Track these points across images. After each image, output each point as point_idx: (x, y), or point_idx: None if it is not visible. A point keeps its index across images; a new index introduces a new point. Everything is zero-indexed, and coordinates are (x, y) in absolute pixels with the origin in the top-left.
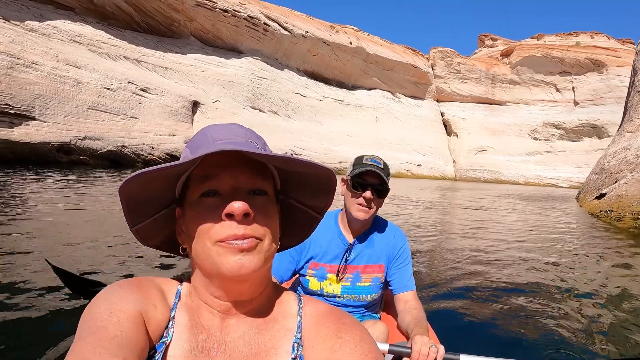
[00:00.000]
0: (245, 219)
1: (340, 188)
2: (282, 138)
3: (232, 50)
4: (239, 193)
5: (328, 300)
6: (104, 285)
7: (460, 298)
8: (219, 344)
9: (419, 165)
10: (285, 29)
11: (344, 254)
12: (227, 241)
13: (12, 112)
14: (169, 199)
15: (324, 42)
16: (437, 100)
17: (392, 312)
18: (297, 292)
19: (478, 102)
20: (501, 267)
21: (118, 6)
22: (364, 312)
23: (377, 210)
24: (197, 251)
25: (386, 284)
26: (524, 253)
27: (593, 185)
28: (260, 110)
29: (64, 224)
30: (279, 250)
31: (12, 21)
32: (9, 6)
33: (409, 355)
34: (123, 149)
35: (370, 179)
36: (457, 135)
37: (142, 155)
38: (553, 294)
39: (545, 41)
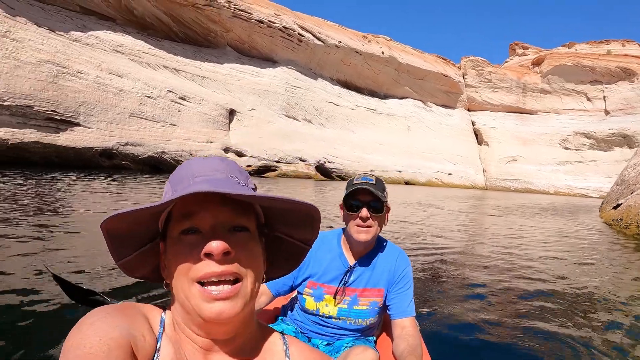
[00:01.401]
0: (225, 257)
1: (340, 214)
2: (315, 146)
3: (267, 60)
4: (219, 231)
5: (324, 322)
6: (99, 294)
7: (465, 317)
8: None
9: (450, 174)
10: (318, 39)
11: (344, 276)
12: (206, 282)
13: (58, 118)
14: (153, 233)
15: (357, 52)
16: (468, 110)
17: (390, 335)
18: (294, 309)
19: (509, 111)
20: (507, 284)
21: (157, 17)
22: (358, 336)
23: (379, 229)
24: (177, 289)
25: (384, 307)
26: (530, 267)
27: (613, 195)
28: (295, 119)
29: (80, 228)
30: (265, 281)
31: (57, 32)
32: (54, 17)
33: None
34: (163, 155)
35: (364, 197)
36: (487, 145)
37: (181, 161)
38: (560, 314)
39: (576, 49)
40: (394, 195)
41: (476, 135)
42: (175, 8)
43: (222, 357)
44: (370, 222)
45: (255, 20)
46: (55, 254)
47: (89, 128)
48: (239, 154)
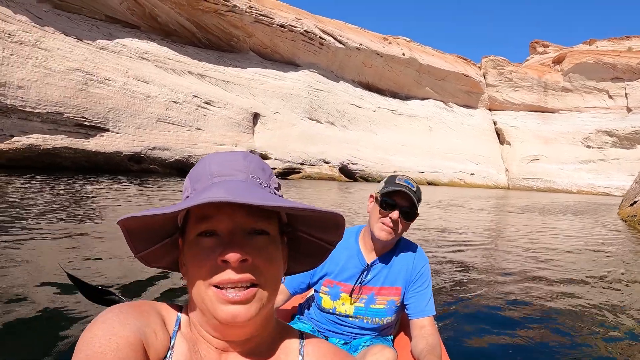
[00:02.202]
0: (242, 264)
1: (367, 205)
2: (338, 148)
3: (289, 64)
4: (237, 234)
5: (341, 320)
6: (114, 294)
7: (484, 319)
8: None
9: (472, 174)
10: (339, 42)
11: (360, 275)
12: (223, 286)
13: (88, 124)
14: (172, 228)
15: (378, 54)
16: (490, 109)
17: (408, 335)
18: (311, 308)
19: (530, 110)
20: (525, 285)
21: (180, 24)
22: (376, 335)
23: (402, 233)
24: (194, 290)
25: (402, 306)
26: (547, 267)
27: (632, 193)
28: (318, 121)
29: (105, 231)
30: (288, 274)
31: (84, 40)
32: (81, 26)
33: None
34: (189, 159)
35: (400, 201)
36: (509, 144)
37: None
38: (576, 314)
39: (597, 46)
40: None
41: (498, 134)
42: (198, 14)
43: (237, 357)
44: (397, 225)
45: (277, 24)
46: (77, 255)
47: (117, 133)
48: (264, 157)
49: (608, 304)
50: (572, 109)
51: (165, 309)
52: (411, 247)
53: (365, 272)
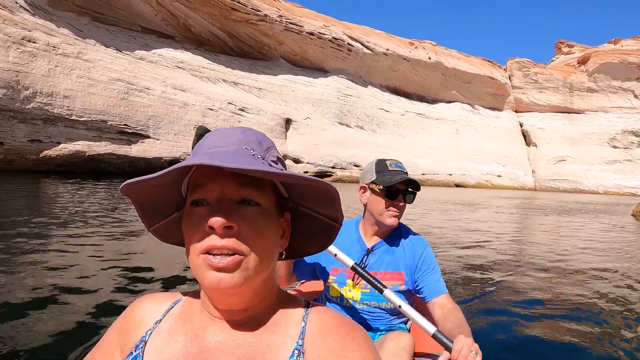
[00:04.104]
0: (228, 231)
1: (360, 196)
2: (368, 152)
3: (319, 70)
4: (226, 203)
5: (348, 308)
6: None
7: (498, 313)
8: (205, 345)
9: (499, 176)
10: (367, 47)
11: (362, 259)
12: (210, 253)
13: (130, 131)
14: (180, 202)
15: (404, 59)
16: (516, 111)
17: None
18: (320, 299)
19: (556, 112)
20: (538, 282)
21: (213, 33)
22: (391, 322)
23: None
24: (190, 260)
25: (409, 293)
26: (558, 262)
27: None
28: (347, 126)
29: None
30: (299, 257)
31: (124, 51)
32: (119, 37)
33: (449, 349)
34: None
35: (402, 186)
36: (536, 146)
37: None
38: (591, 308)
39: (622, 45)
40: (445, 197)
41: (524, 136)
42: (230, 24)
43: (235, 325)
44: (402, 209)
45: (306, 32)
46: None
47: (157, 140)
48: (296, 161)
49: (625, 299)
50: (597, 110)
51: (162, 298)
52: (409, 232)
53: (366, 256)
